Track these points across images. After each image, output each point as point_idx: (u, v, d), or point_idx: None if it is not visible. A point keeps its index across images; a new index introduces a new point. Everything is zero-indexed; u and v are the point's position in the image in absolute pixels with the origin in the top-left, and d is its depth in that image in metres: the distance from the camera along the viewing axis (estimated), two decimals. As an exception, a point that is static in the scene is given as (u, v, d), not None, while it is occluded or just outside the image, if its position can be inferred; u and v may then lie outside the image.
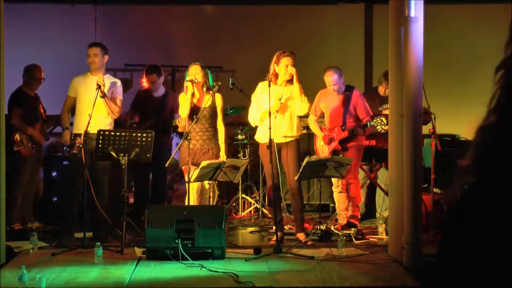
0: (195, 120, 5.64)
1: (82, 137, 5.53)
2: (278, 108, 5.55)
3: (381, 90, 6.91)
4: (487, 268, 0.80)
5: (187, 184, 5.49)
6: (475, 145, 0.84)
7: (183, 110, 5.76)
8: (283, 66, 5.61)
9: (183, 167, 5.90)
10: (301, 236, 5.65)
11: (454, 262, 0.83)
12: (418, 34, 4.81)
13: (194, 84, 5.73)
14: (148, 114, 6.46)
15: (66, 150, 6.58)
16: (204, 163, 5.41)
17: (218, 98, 5.85)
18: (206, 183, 5.87)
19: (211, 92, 5.84)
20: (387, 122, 5.78)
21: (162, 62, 7.69)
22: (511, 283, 0.79)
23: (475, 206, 0.82)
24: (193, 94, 5.76)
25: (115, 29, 8.34)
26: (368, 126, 6.09)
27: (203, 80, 5.81)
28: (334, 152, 6.27)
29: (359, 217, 6.47)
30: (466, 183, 0.84)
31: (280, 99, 5.55)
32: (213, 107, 5.83)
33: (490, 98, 0.87)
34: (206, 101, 5.79)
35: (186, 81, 5.75)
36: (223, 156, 5.78)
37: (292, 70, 5.57)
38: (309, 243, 5.49)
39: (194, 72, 5.77)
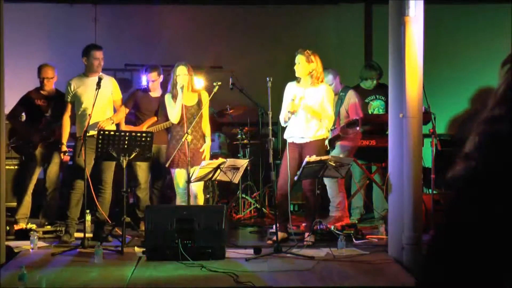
0: (194, 120, 5.62)
1: (82, 137, 5.54)
2: (292, 110, 5.55)
3: (367, 83, 6.92)
4: (487, 261, 0.81)
5: (182, 186, 5.47)
6: (480, 134, 0.86)
7: (174, 116, 5.70)
8: (295, 66, 5.64)
9: (175, 169, 5.80)
10: (306, 235, 5.64)
11: (451, 254, 0.84)
12: (418, 34, 4.81)
13: (183, 88, 5.68)
14: (147, 114, 6.45)
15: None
16: (204, 163, 5.40)
17: (204, 94, 5.80)
18: (197, 189, 5.80)
19: (196, 90, 5.84)
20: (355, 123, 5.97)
21: (162, 62, 7.69)
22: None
23: (474, 192, 0.84)
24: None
25: (115, 29, 8.34)
26: (345, 127, 6.10)
27: (190, 80, 5.78)
28: (326, 152, 6.28)
29: (357, 216, 6.51)
30: (465, 168, 0.86)
31: (293, 100, 5.55)
32: (200, 105, 5.79)
33: (495, 91, 0.89)
34: (193, 100, 5.78)
35: (180, 88, 5.66)
36: (208, 144, 5.80)
37: (297, 68, 5.61)
38: (304, 243, 5.48)
39: (182, 73, 5.71)
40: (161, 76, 6.54)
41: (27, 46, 7.93)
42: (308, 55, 5.60)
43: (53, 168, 6.39)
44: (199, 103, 5.77)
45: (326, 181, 6.39)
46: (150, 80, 6.45)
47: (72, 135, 6.15)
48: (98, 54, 5.93)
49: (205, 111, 5.86)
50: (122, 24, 8.40)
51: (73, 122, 6.05)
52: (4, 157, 5.01)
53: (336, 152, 6.31)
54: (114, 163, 5.81)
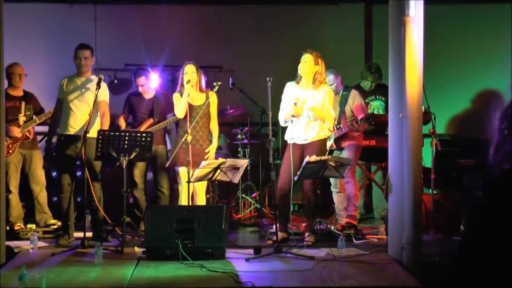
0: (194, 120, 5.64)
1: (82, 137, 5.53)
2: (295, 114, 5.55)
3: (367, 84, 6.91)
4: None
5: (186, 184, 5.47)
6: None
7: (180, 111, 5.73)
8: (300, 64, 5.64)
9: (179, 167, 5.82)
10: (306, 235, 5.65)
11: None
12: (418, 34, 4.81)
13: (191, 85, 5.72)
14: (141, 116, 6.44)
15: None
16: (204, 163, 5.41)
17: (213, 97, 5.83)
18: (199, 188, 5.81)
19: (204, 91, 5.85)
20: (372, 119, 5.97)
21: (162, 62, 7.70)
22: None
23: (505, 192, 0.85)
24: (188, 94, 5.76)
25: (115, 29, 8.34)
26: (359, 123, 6.09)
27: (198, 79, 5.80)
28: (330, 152, 6.28)
29: (357, 216, 6.48)
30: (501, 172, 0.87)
31: (296, 104, 5.55)
32: (207, 106, 5.81)
33: None
34: (201, 100, 5.80)
35: (186, 82, 5.72)
36: (214, 145, 5.82)
37: (302, 67, 5.60)
38: (304, 243, 5.48)
39: (190, 71, 5.76)
40: (149, 79, 6.48)
41: (27, 46, 7.92)
42: (316, 56, 5.62)
43: (36, 167, 6.37)
44: (207, 104, 5.78)
45: (335, 196, 6.41)
46: (139, 85, 6.44)
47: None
48: (81, 53, 5.87)
49: (213, 111, 5.88)
50: (122, 24, 8.39)
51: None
52: (4, 157, 5.01)
53: (344, 152, 6.28)
54: (100, 163, 5.79)
